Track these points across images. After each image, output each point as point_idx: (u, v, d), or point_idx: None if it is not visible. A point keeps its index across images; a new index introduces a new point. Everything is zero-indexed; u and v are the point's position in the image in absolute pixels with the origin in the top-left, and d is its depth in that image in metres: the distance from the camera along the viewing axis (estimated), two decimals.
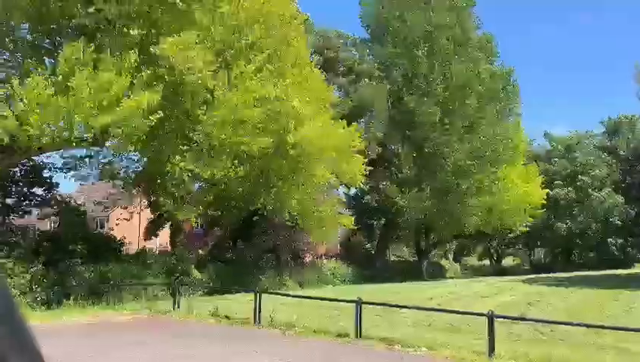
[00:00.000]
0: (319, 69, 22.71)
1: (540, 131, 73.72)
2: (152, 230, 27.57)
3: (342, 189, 35.82)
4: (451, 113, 32.51)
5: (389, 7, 34.82)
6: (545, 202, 40.47)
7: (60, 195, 24.51)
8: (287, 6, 17.84)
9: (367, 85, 32.20)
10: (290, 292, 18.22)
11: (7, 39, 14.98)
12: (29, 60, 13.85)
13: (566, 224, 50.90)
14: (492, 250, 61.13)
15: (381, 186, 34.29)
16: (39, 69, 13.31)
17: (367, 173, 23.07)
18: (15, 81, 12.82)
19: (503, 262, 63.53)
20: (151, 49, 13.73)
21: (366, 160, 22.71)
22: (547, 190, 41.84)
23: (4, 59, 15.40)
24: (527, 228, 42.20)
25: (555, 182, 50.68)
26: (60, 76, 13.20)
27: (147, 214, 27.98)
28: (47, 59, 15.23)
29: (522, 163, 40.03)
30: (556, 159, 53.85)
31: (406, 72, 33.47)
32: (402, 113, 33.28)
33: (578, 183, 51.21)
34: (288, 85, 16.45)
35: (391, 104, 33.62)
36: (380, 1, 35.67)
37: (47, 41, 15.55)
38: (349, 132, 20.55)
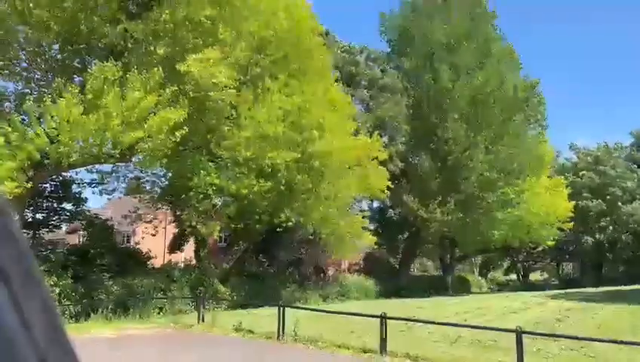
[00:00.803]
0: (342, 82, 22.85)
1: (565, 143, 72.59)
2: (176, 244, 27.86)
3: (365, 203, 35.75)
4: (475, 125, 32.18)
5: (409, 20, 34.82)
6: (573, 215, 39.64)
7: (88, 210, 25.02)
8: (309, 23, 18.08)
9: (388, 99, 32.20)
10: (314, 307, 18.15)
11: (39, 59, 15.49)
12: (60, 79, 14.28)
13: (595, 237, 49.70)
14: (519, 265, 59.99)
15: (404, 199, 34.09)
16: (69, 88, 13.70)
17: (391, 186, 22.97)
18: (47, 100, 13.22)
19: (531, 276, 62.26)
20: (176, 66, 14.04)
21: (388, 172, 22.64)
22: (574, 202, 41.00)
23: (37, 78, 15.90)
24: (555, 242, 41.34)
25: (584, 194, 49.64)
26: (90, 95, 13.56)
27: (172, 228, 28.31)
28: (76, 78, 15.68)
29: (547, 175, 39.36)
30: (584, 172, 52.78)
31: (428, 85, 33.34)
32: (425, 126, 33.10)
33: (608, 196, 50.05)
34: (311, 98, 16.59)
35: (413, 117, 33.49)
36: (400, 14, 35.71)
37: (77, 60, 16.03)
38: (371, 143, 20.57)
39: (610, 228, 49.69)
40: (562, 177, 43.96)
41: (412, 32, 34.13)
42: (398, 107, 32.42)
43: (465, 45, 32.82)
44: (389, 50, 37.06)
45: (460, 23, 33.35)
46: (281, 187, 18.22)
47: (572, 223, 40.07)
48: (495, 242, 36.01)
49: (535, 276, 64.07)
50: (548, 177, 39.88)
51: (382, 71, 35.06)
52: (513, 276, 61.62)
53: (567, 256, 56.26)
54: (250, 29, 15.69)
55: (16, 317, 0.51)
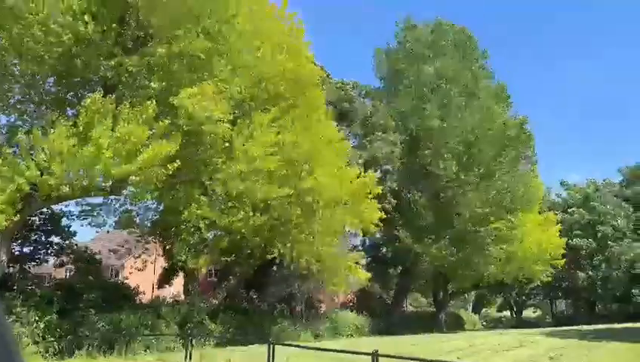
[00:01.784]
0: (335, 119, 23.08)
1: (555, 179, 73.22)
2: (165, 278, 27.45)
3: (358, 239, 35.60)
4: (466, 163, 32.48)
5: (401, 59, 35.53)
6: (565, 251, 39.66)
7: (76, 244, 24.67)
8: (306, 62, 18.39)
9: (381, 135, 32.53)
10: (305, 344, 17.79)
11: (33, 92, 15.54)
12: (53, 112, 14.29)
13: (587, 274, 49.60)
14: (512, 301, 59.53)
15: (398, 234, 33.99)
16: (62, 120, 13.70)
17: (383, 221, 22.93)
18: (38, 132, 13.19)
19: (524, 313, 61.71)
20: (170, 100, 14.12)
21: (381, 208, 22.62)
22: (566, 239, 41.09)
23: (30, 110, 15.91)
24: (548, 278, 41.19)
25: (575, 231, 49.79)
26: (81, 127, 13.55)
27: (161, 262, 27.95)
28: (69, 111, 15.71)
29: (538, 211, 39.54)
30: (574, 208, 53.09)
31: (418, 123, 33.76)
32: (417, 163, 33.36)
33: (598, 233, 50.22)
34: (305, 133, 16.70)
35: (405, 154, 33.77)
36: (394, 53, 36.44)
37: (71, 93, 16.09)
38: (364, 179, 20.62)
39: (603, 265, 49.66)
40: (553, 213, 44.15)
41: (403, 71, 34.79)
42: (390, 144, 32.72)
43: (455, 84, 33.45)
44: (381, 86, 37.71)
45: (450, 62, 34.05)
46: (274, 221, 18.13)
47: (564, 260, 40.03)
48: (488, 278, 35.83)
49: (528, 313, 63.53)
50: (539, 213, 40.06)
51: (374, 107, 35.54)
52: (506, 313, 61.06)
53: (559, 293, 55.97)
54: (245, 64, 15.88)
55: None
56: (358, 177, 20.46)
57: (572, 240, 46.75)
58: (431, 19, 37.11)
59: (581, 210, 52.61)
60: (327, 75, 33.15)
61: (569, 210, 52.85)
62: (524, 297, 58.25)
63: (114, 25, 14.02)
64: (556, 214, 45.03)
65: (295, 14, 18.29)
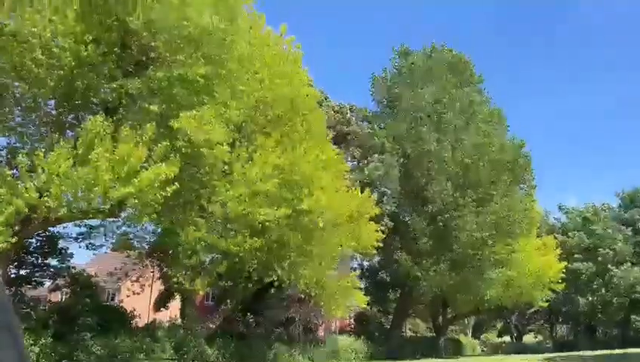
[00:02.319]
0: (332, 141, 23.21)
1: (552, 203, 73.23)
2: (162, 302, 27.20)
3: (356, 262, 35.46)
4: (463, 186, 32.54)
5: (397, 84, 35.91)
6: (564, 276, 39.45)
7: (73, 266, 24.51)
8: (306, 87, 18.63)
9: (378, 159, 32.69)
10: None
11: (34, 114, 15.63)
12: (54, 134, 14.36)
13: (587, 299, 49.24)
14: (512, 326, 58.93)
15: (396, 257, 33.84)
16: (62, 142, 13.76)
17: (381, 244, 22.86)
18: (39, 154, 13.22)
19: (525, 338, 61.04)
20: (170, 123, 14.20)
21: (379, 230, 22.57)
22: (565, 263, 40.91)
23: (31, 133, 15.98)
24: (548, 303, 40.88)
25: (575, 255, 49.62)
26: (81, 149, 13.60)
27: (158, 286, 27.72)
28: (70, 133, 15.78)
29: (537, 235, 39.47)
30: (574, 232, 53.01)
31: (415, 147, 33.93)
32: (413, 186, 33.43)
33: (598, 257, 50.04)
34: (304, 156, 16.77)
35: (402, 177, 33.85)
36: (390, 78, 36.86)
37: (72, 116, 16.19)
38: (362, 199, 20.65)
39: (603, 289, 49.36)
40: (552, 237, 44.08)
41: (399, 95, 35.13)
42: (387, 166, 32.83)
43: (451, 108, 33.74)
44: (378, 110, 38.01)
45: (445, 87, 34.41)
46: (272, 244, 18.05)
47: (564, 284, 39.80)
48: (488, 302, 35.55)
49: (529, 338, 62.84)
50: (538, 237, 39.99)
51: (371, 130, 35.79)
52: (507, 338, 60.39)
53: (560, 318, 55.48)
54: (244, 88, 16.04)
55: None
56: (356, 199, 20.48)
57: (571, 264, 46.54)
58: (427, 43, 37.67)
59: (580, 233, 52.54)
60: (325, 98, 33.48)
61: (568, 234, 52.76)
62: (524, 322, 57.73)
63: (115, 49, 14.19)
64: (555, 238, 44.95)
65: (293, 39, 18.59)
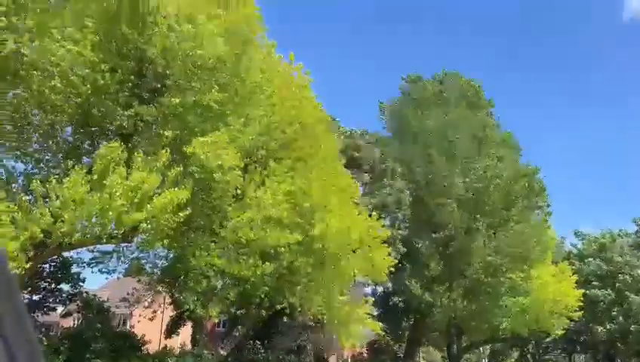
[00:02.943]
0: (344, 166, 23.29)
1: (568, 228, 72.31)
2: (173, 328, 27.06)
3: (369, 288, 35.12)
4: (475, 211, 32.28)
5: (407, 110, 36.08)
6: (582, 303, 38.61)
7: (85, 292, 24.56)
8: (316, 109, 18.84)
9: (389, 183, 32.66)
10: None
11: (51, 141, 15.92)
12: (70, 161, 14.58)
13: (606, 327, 48.07)
14: (529, 356, 57.57)
15: (408, 284, 33.47)
16: (77, 168, 13.97)
17: (393, 270, 22.64)
18: (54, 180, 13.42)
19: None
20: (183, 148, 14.39)
21: (390, 254, 22.39)
22: (583, 291, 40.09)
23: (47, 159, 16.25)
24: (565, 332, 39.94)
25: (592, 282, 48.66)
26: (96, 175, 13.78)
27: (170, 311, 27.63)
28: (85, 159, 16.02)
29: (552, 261, 38.83)
30: (590, 259, 52.08)
31: (425, 172, 33.85)
32: (425, 211, 33.23)
33: (617, 284, 49.03)
34: (316, 181, 16.84)
35: (413, 202, 33.70)
36: (398, 103, 37.08)
37: (88, 142, 16.46)
38: (373, 223, 20.58)
39: (621, 318, 48.20)
40: (567, 263, 43.34)
41: (409, 121, 35.24)
42: (398, 191, 32.76)
43: (461, 133, 33.71)
44: (389, 135, 38.13)
45: (456, 112, 34.47)
46: (283, 270, 17.97)
47: (582, 312, 38.92)
48: (503, 331, 34.84)
49: None
50: (553, 263, 39.34)
51: (382, 154, 35.85)
52: None
53: (578, 347, 54.12)
54: (256, 113, 16.25)
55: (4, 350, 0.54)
56: (367, 224, 20.41)
57: (589, 291, 45.61)
58: (437, 70, 37.97)
59: (597, 260, 51.60)
60: (337, 124, 33.70)
61: (585, 261, 51.85)
62: (541, 351, 56.40)
63: (131, 76, 14.49)
64: (572, 265, 44.18)
65: (302, 66, 18.94)
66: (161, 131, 14.51)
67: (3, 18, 12.48)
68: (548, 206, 37.94)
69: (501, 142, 35.45)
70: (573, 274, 40.67)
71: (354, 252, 19.13)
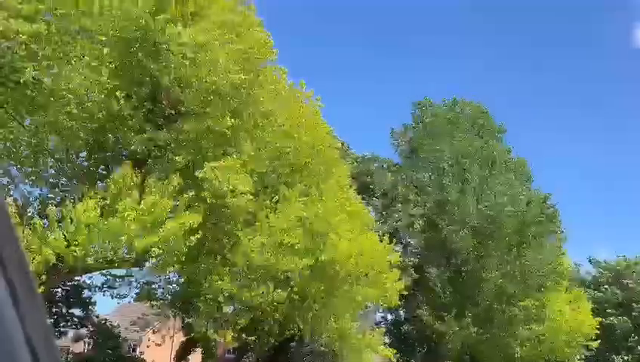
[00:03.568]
0: (356, 191, 23.31)
1: (582, 255, 71.39)
2: (183, 353, 26.84)
3: (380, 314, 34.72)
4: (488, 238, 32.00)
5: (418, 136, 36.21)
6: (598, 332, 37.73)
7: (96, 316, 24.57)
8: (328, 135, 19.03)
9: (401, 209, 32.57)
10: None
11: (66, 166, 16.17)
12: (84, 185, 14.78)
13: (623, 357, 46.87)
14: None
15: (420, 312, 33.01)
16: (91, 193, 14.14)
17: (405, 298, 22.40)
18: (69, 204, 13.59)
19: None
20: (196, 173, 14.54)
21: (401, 279, 22.18)
22: (599, 319, 39.25)
23: (62, 184, 16.48)
24: (582, 361, 38.99)
25: (608, 310, 47.67)
26: (109, 199, 13.94)
27: (180, 337, 27.47)
28: (100, 184, 16.22)
29: (566, 288, 38.16)
30: (606, 286, 51.17)
31: (438, 198, 33.70)
32: (437, 237, 33.00)
33: (633, 312, 48.00)
34: (328, 206, 16.87)
35: (425, 228, 33.53)
36: (411, 131, 37.24)
37: (102, 167, 16.70)
38: (384, 248, 20.47)
39: (639, 347, 47.04)
40: (583, 290, 42.57)
41: (421, 147, 35.32)
42: (410, 217, 32.64)
43: (473, 160, 33.67)
44: (400, 161, 38.17)
45: (467, 138, 34.50)
46: (294, 296, 17.86)
47: (598, 341, 38.01)
48: (518, 360, 34.07)
49: None
50: (568, 290, 38.65)
51: (394, 180, 35.83)
52: None
53: None
54: (268, 139, 16.43)
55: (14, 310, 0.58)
56: (379, 249, 20.30)
57: (605, 319, 44.65)
58: (447, 97, 38.14)
59: (613, 287, 50.67)
60: (348, 149, 33.85)
61: (601, 288, 50.95)
62: None
63: (146, 103, 14.76)
64: (587, 292, 43.41)
65: (312, 93, 19.26)
66: (175, 156, 14.69)
67: (23, 47, 12.85)
68: (562, 232, 37.48)
69: (513, 169, 35.31)
70: (588, 301, 39.91)
71: (366, 276, 19.00)
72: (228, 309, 19.14)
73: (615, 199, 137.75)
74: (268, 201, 16.05)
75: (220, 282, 15.30)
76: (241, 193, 14.48)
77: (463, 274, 32.04)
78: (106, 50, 13.49)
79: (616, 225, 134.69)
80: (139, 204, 13.82)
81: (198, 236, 14.08)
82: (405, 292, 22.31)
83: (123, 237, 13.56)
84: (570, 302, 37.29)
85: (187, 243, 14.04)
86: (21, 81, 13.42)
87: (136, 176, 14.10)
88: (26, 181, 16.47)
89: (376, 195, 34.83)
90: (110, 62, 13.99)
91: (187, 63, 14.24)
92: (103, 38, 13.47)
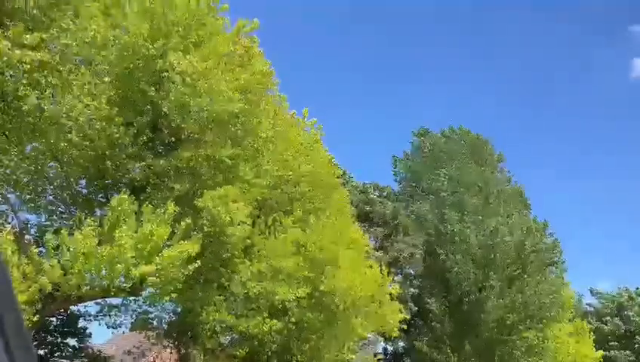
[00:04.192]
0: (356, 220, 23.23)
1: (584, 285, 70.44)
2: None
3: (379, 346, 34.20)
4: (488, 267, 31.79)
5: (418, 165, 36.38)
6: None
7: (91, 347, 24.13)
8: (328, 163, 19.07)
9: (402, 239, 32.45)
10: None
11: (65, 193, 16.14)
12: (82, 213, 14.72)
13: None
14: None
15: (419, 344, 32.50)
16: (89, 220, 14.06)
17: (405, 329, 22.07)
18: (65, 232, 13.50)
19: None
20: (195, 201, 14.50)
21: (401, 311, 21.90)
22: (602, 351, 38.67)
23: (60, 211, 16.42)
24: None
25: (610, 343, 47.01)
26: (106, 227, 13.84)
27: None
28: (98, 211, 16.16)
29: (569, 320, 37.72)
30: (608, 318, 50.59)
31: (437, 228, 33.64)
32: (437, 267, 32.82)
33: (635, 345, 47.32)
34: (326, 234, 16.77)
35: (426, 258, 33.36)
36: (410, 160, 37.42)
37: (101, 194, 16.66)
38: (385, 280, 20.28)
39: None
40: (586, 322, 42.08)
41: (420, 176, 35.45)
42: (412, 246, 32.50)
43: (471, 189, 33.72)
44: (400, 190, 38.24)
45: (465, 167, 34.63)
46: (292, 326, 17.59)
47: None
48: None
49: None
50: (569, 321, 38.19)
51: (395, 209, 35.78)
52: None
53: None
54: (269, 167, 16.45)
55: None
56: (379, 278, 20.12)
57: (607, 352, 43.99)
58: (445, 126, 38.48)
59: (616, 319, 50.09)
60: (349, 178, 33.91)
61: (602, 320, 50.35)
62: None
63: (146, 130, 14.82)
64: (590, 323, 42.94)
65: (315, 121, 19.35)
66: (174, 184, 14.67)
67: (26, 75, 12.99)
68: (563, 262, 37.26)
69: (511, 198, 35.35)
70: (590, 333, 39.42)
71: (366, 307, 18.76)
72: (225, 339, 18.82)
73: (614, 232, 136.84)
74: (265, 229, 15.98)
75: (217, 312, 15.08)
76: (240, 222, 14.42)
77: (464, 304, 31.67)
78: (107, 79, 13.62)
79: (616, 256, 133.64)
80: (136, 231, 13.73)
81: (196, 265, 13.94)
82: (405, 325, 22.00)
83: (119, 266, 13.43)
84: (572, 333, 36.81)
85: (185, 272, 13.89)
86: (23, 108, 13.54)
87: (134, 203, 14.04)
88: (25, 208, 16.43)
89: (377, 224, 34.75)
90: (111, 91, 14.10)
91: (187, 91, 14.36)
92: (105, 68, 13.62)
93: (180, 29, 14.47)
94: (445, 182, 33.89)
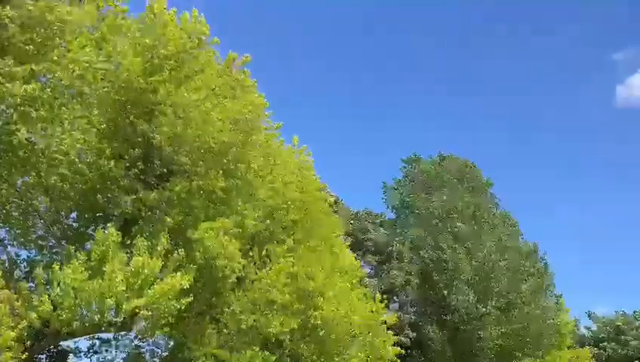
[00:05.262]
0: (349, 248, 23.10)
1: (581, 311, 70.02)
2: None
3: None
4: (483, 293, 31.67)
5: (409, 192, 36.52)
6: None
7: None
8: (319, 190, 19.05)
9: (396, 266, 32.32)
10: None
11: (55, 227, 15.99)
12: (72, 247, 14.54)
13: None
14: None
15: None
16: (79, 254, 13.89)
17: (402, 358, 21.73)
18: (56, 267, 13.33)
19: None
20: (187, 234, 14.38)
21: (399, 343, 21.60)
22: None
23: (51, 245, 16.23)
24: None
25: None
26: (94, 261, 13.65)
27: None
28: (89, 245, 15.99)
29: (568, 347, 37.40)
30: (606, 343, 50.23)
31: (431, 255, 33.58)
32: (433, 294, 32.65)
33: None
34: (319, 263, 16.66)
35: (421, 285, 33.18)
36: (401, 186, 37.58)
37: (92, 228, 16.49)
38: (380, 309, 20.02)
39: None
40: (585, 348, 41.76)
41: (412, 203, 35.58)
42: (406, 273, 32.34)
43: (462, 215, 33.85)
44: (393, 216, 38.29)
45: (455, 194, 34.82)
46: (286, 359, 17.25)
47: None
48: None
49: None
50: (568, 347, 37.88)
51: (388, 236, 35.75)
52: None
53: None
54: (261, 197, 16.42)
55: None
56: (373, 309, 19.88)
57: None
58: (434, 152, 38.84)
59: (613, 344, 49.71)
60: (341, 205, 33.88)
61: (600, 344, 49.96)
62: None
63: (138, 163, 14.79)
64: (588, 349, 42.60)
65: (305, 148, 19.39)
66: (165, 216, 14.58)
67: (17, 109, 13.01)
68: (553, 286, 37.23)
69: (500, 223, 35.51)
70: (590, 358, 39.08)
71: (360, 338, 18.48)
72: None
73: (602, 258, 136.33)
74: (258, 260, 15.86)
75: (208, 347, 14.82)
76: (232, 255, 14.30)
77: (461, 331, 31.38)
78: (96, 112, 13.67)
79: (613, 281, 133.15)
80: (127, 264, 13.56)
81: (189, 299, 13.76)
82: (402, 354, 21.68)
83: (110, 300, 13.22)
84: (571, 359, 36.47)
85: (177, 306, 13.68)
86: (14, 142, 13.53)
87: (122, 236, 13.90)
88: (14, 243, 16.23)
89: (371, 251, 34.65)
90: (102, 124, 14.14)
91: (180, 123, 14.41)
92: (96, 101, 13.69)
93: (172, 62, 14.59)
94: (436, 209, 34.00)
